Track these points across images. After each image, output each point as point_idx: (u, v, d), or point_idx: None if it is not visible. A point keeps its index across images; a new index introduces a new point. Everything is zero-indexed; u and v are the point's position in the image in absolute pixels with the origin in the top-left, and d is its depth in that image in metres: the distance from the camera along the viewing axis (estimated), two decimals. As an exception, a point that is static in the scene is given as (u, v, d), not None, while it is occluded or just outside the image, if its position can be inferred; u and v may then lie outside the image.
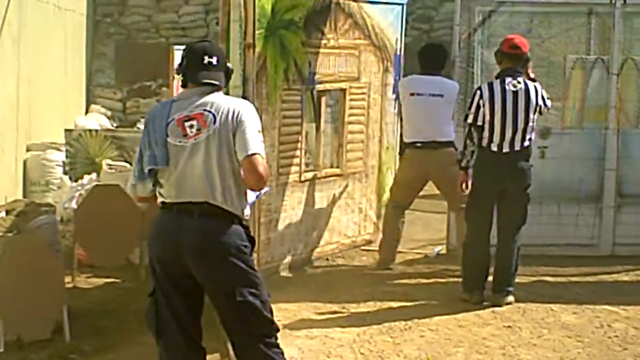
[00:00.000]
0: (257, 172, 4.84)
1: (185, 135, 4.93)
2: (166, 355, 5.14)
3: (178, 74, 5.12)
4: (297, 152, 8.39)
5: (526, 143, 7.68)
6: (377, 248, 9.18)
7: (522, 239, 8.44)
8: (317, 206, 8.77)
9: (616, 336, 7.01)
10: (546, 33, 10.29)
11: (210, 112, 4.94)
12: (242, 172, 4.92)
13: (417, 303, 7.66)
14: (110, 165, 9.33)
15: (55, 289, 6.66)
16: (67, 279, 7.54)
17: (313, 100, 8.97)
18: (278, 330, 5.19)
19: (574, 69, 9.85)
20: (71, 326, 6.67)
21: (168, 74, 12.97)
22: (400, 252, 9.25)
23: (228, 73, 5.14)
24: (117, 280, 8.30)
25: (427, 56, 8.88)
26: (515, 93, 7.62)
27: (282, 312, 7.24)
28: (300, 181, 8.57)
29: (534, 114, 7.68)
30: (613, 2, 9.34)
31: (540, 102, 7.71)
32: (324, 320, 7.23)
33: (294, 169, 8.44)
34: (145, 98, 16.62)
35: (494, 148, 7.67)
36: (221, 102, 5.00)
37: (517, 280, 8.00)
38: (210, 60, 5.02)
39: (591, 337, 6.97)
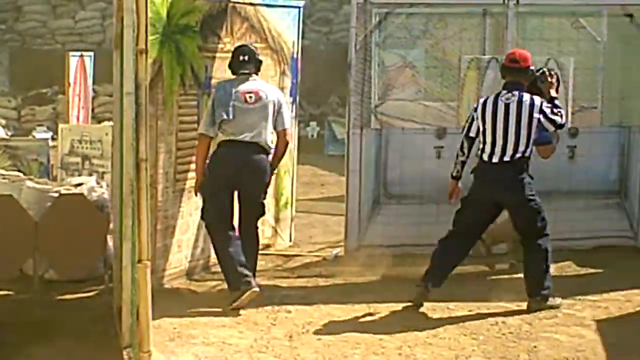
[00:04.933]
0: (286, 140, 8.10)
1: (246, 102, 7.84)
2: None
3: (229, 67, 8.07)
4: (195, 158, 8.32)
5: (518, 155, 7.67)
6: (275, 252, 9.29)
7: (421, 239, 8.94)
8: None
9: (510, 332, 7.11)
10: (442, 34, 10.39)
11: (263, 88, 8.03)
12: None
13: (315, 306, 7.67)
14: (3, 175, 9.13)
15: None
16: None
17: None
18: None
19: (469, 69, 9.94)
20: (-37, 340, 6.53)
21: (64, 81, 12.86)
22: (298, 255, 9.35)
23: (258, 64, 8.10)
24: (11, 293, 8.14)
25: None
26: (507, 105, 7.68)
27: (178, 320, 7.22)
28: (198, 187, 8.53)
29: (529, 125, 7.64)
30: (506, 2, 9.42)
31: (538, 115, 7.65)
32: (221, 326, 7.20)
33: (191, 174, 8.38)
34: (42, 105, 16.40)
35: (485, 158, 7.77)
36: (267, 86, 8.21)
37: (412, 279, 8.11)
38: (244, 58, 7.99)
39: (486, 334, 7.07)
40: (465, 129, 7.96)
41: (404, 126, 9.91)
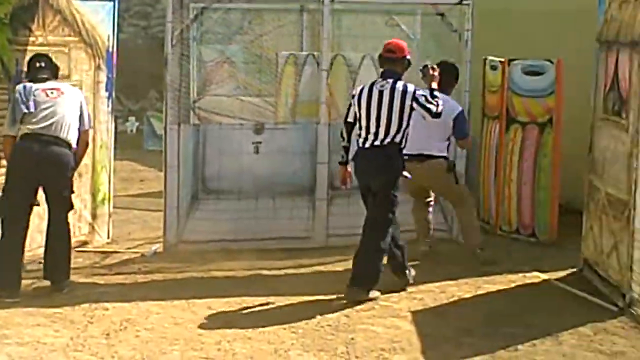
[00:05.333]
0: (86, 140, 8.20)
1: (48, 96, 7.83)
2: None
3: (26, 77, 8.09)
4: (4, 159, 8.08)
5: (388, 140, 7.86)
6: (93, 249, 9.19)
7: (239, 234, 9.14)
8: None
9: (328, 325, 7.18)
10: (260, 30, 10.41)
11: (64, 87, 8.10)
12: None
13: (133, 303, 7.58)
14: None
15: None
16: None
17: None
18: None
19: (287, 65, 10.00)
20: None
21: None
22: (116, 252, 9.22)
23: (55, 70, 8.18)
24: None
25: (442, 73, 8.76)
26: (381, 92, 7.90)
27: (-10, 319, 7.03)
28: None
29: (400, 113, 7.83)
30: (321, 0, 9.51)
31: (410, 102, 7.84)
32: (36, 325, 7.03)
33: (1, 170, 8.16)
34: None
35: (360, 143, 7.99)
36: (69, 87, 8.22)
37: (232, 275, 8.26)
38: (41, 64, 8.02)
39: (305, 327, 7.12)
40: (345, 115, 8.21)
41: (222, 122, 9.89)
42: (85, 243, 9.29)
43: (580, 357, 6.57)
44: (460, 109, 8.92)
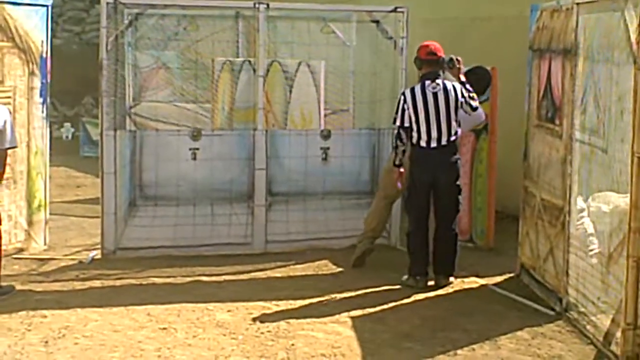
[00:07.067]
0: (4, 162, 7.67)
1: None
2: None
3: None
4: None
5: (452, 138, 8.38)
6: (29, 256, 9.10)
7: (178, 240, 9.06)
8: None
9: (269, 331, 7.18)
10: (195, 36, 10.39)
11: None
12: None
13: (71, 310, 7.51)
14: None
15: None
16: None
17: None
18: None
19: (223, 71, 9.98)
20: None
21: None
22: (53, 259, 9.14)
23: None
24: None
25: (475, 76, 9.27)
26: (435, 94, 8.31)
27: None
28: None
29: (456, 110, 8.34)
30: (257, 6, 9.48)
31: (461, 99, 8.36)
32: (-28, 334, 6.94)
33: None
34: None
35: (423, 144, 8.36)
36: None
37: (171, 281, 8.19)
38: None
39: (245, 334, 7.11)
40: (399, 120, 8.42)
41: (159, 128, 9.85)
42: (21, 250, 9.19)
43: (519, 361, 6.68)
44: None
